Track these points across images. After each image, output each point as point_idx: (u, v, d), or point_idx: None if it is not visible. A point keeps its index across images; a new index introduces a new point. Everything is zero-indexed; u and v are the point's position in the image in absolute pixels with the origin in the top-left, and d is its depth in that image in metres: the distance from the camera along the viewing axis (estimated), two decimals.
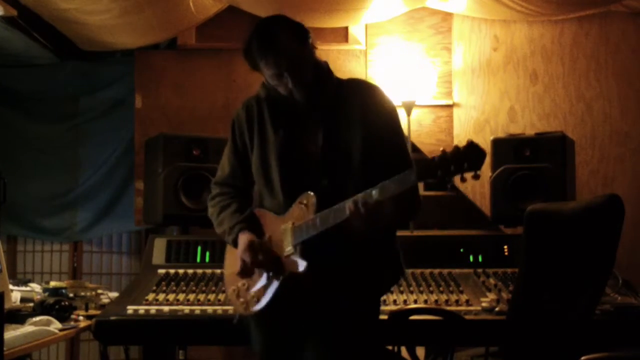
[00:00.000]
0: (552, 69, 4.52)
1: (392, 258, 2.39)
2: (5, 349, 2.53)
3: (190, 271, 3.47)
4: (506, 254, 3.52)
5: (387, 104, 2.37)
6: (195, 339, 3.16)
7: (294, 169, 2.31)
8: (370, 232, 2.09)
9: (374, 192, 2.00)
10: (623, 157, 4.38)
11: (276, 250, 2.28)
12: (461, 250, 3.54)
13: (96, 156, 5.19)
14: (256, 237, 2.30)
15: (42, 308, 3.18)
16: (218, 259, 3.34)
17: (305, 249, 2.20)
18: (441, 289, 3.22)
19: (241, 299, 2.36)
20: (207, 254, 3.60)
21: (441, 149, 1.87)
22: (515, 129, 4.41)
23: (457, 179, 1.84)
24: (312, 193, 2.21)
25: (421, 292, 3.17)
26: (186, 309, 3.05)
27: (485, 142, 3.33)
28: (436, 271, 3.42)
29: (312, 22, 3.82)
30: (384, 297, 3.00)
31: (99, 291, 3.74)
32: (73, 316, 3.25)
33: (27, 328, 2.90)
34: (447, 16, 4.75)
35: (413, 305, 3.01)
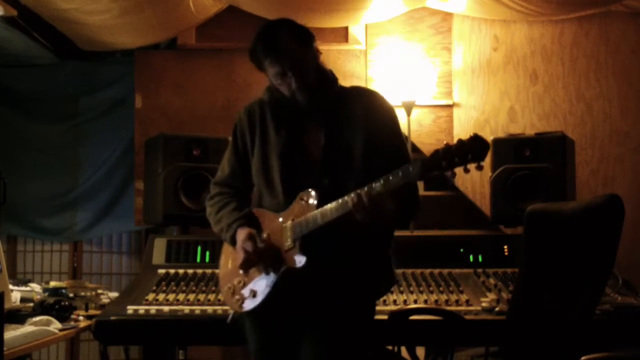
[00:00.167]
0: (552, 69, 4.52)
1: (387, 263, 2.40)
2: (5, 349, 2.54)
3: (190, 271, 3.47)
4: (506, 254, 3.52)
5: (387, 107, 2.41)
6: (195, 339, 3.16)
7: (295, 169, 2.32)
8: (373, 224, 2.10)
9: (377, 184, 2.03)
10: (623, 157, 4.38)
11: (275, 246, 2.28)
12: (461, 250, 3.54)
13: (96, 156, 5.20)
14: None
15: (42, 308, 3.18)
16: (218, 259, 3.32)
17: (305, 244, 2.21)
18: (441, 289, 3.22)
19: (236, 297, 2.36)
20: (207, 254, 3.60)
21: (445, 142, 1.90)
22: (515, 129, 4.41)
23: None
24: (312, 189, 2.22)
25: (421, 292, 3.17)
26: (186, 309, 3.05)
27: None
28: (436, 271, 3.42)
29: (312, 22, 3.83)
30: (384, 297, 3.00)
31: (99, 291, 3.75)
32: (73, 316, 3.25)
33: (27, 328, 2.90)
34: (447, 16, 4.75)
35: (413, 305, 3.01)
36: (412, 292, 3.18)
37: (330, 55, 4.65)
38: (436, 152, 1.91)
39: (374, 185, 2.05)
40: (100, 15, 4.13)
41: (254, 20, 4.16)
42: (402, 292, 3.17)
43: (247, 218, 2.36)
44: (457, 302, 3.07)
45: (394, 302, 3.07)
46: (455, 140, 1.90)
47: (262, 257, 2.26)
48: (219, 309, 3.02)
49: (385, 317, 2.81)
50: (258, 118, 2.41)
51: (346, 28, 4.81)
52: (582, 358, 2.08)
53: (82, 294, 3.57)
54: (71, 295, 3.48)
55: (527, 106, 4.55)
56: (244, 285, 2.33)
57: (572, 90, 4.48)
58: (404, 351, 3.12)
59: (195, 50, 4.87)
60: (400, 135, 2.42)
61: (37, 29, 4.43)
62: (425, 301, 3.10)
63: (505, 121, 4.58)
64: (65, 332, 3.06)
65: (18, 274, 5.15)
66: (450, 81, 4.75)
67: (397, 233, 2.45)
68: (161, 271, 3.48)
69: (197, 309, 3.05)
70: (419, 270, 3.42)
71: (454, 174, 1.94)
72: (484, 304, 3.02)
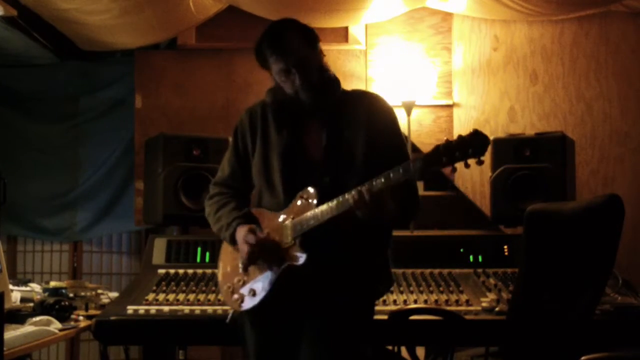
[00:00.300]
0: (552, 69, 4.52)
1: (386, 262, 2.41)
2: (5, 349, 2.54)
3: (190, 271, 3.47)
4: (506, 254, 3.52)
5: (388, 108, 2.43)
6: (195, 339, 3.16)
7: (295, 169, 2.32)
8: (373, 221, 2.11)
9: (378, 181, 2.05)
10: (623, 157, 4.38)
11: (275, 244, 2.29)
12: (461, 250, 3.54)
13: (96, 156, 5.20)
14: None
15: (42, 308, 3.18)
16: (218, 259, 3.34)
17: (305, 241, 2.21)
18: (441, 289, 3.21)
19: (235, 296, 2.36)
20: (207, 254, 3.60)
21: (445, 138, 1.92)
22: (515, 129, 4.41)
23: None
24: (313, 187, 2.23)
25: (421, 292, 3.17)
26: (186, 309, 3.05)
27: None
28: (436, 271, 3.42)
29: (312, 22, 3.81)
30: (384, 297, 3.00)
31: (99, 291, 3.75)
32: (73, 316, 3.25)
33: (27, 328, 2.90)
34: (447, 16, 4.75)
35: (413, 305, 3.01)
36: (412, 292, 3.18)
37: (330, 55, 4.61)
38: (437, 147, 1.94)
39: (374, 181, 2.06)
40: (100, 15, 4.13)
41: (254, 20, 4.17)
42: (402, 292, 3.17)
43: (246, 217, 2.36)
44: (457, 302, 3.07)
45: (394, 302, 3.07)
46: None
47: (264, 251, 2.26)
48: (219, 309, 3.02)
49: (385, 317, 2.81)
50: (260, 119, 2.42)
51: (346, 28, 4.81)
52: (582, 358, 2.08)
53: (82, 294, 3.57)
54: (71, 295, 3.48)
55: (527, 106, 4.55)
56: (244, 284, 2.34)
57: (572, 90, 4.48)
58: (404, 351, 3.12)
59: (195, 50, 4.87)
60: (401, 136, 2.44)
61: (37, 29, 4.43)
62: (425, 301, 3.10)
63: (505, 121, 4.58)
64: (65, 332, 3.06)
65: (18, 274, 5.15)
66: (450, 81, 4.75)
67: (397, 233, 2.46)
68: (161, 271, 3.48)
69: (197, 309, 3.05)
70: (419, 270, 3.41)
71: (455, 169, 1.95)
72: (484, 304, 3.02)
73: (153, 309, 3.04)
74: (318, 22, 4.42)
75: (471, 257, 3.51)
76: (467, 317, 2.92)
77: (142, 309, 3.03)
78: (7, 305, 2.88)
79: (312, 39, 2.33)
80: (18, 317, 3.09)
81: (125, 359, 4.05)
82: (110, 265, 5.39)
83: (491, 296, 3.11)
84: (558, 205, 2.68)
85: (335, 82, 2.40)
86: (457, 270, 3.42)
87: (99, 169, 5.19)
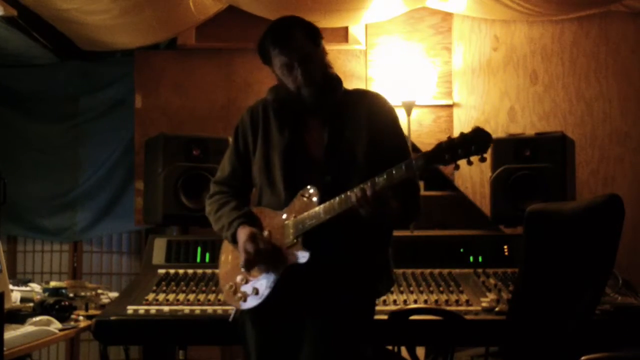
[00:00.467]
0: (552, 69, 4.52)
1: (387, 262, 2.41)
2: (5, 349, 2.54)
3: (190, 271, 3.46)
4: (506, 254, 3.51)
5: (389, 108, 2.43)
6: (195, 339, 3.16)
7: (297, 167, 2.33)
8: (376, 219, 2.11)
9: (381, 178, 2.06)
10: (623, 157, 4.38)
11: (276, 244, 2.29)
12: (461, 250, 3.53)
13: (96, 156, 5.20)
14: None
15: (42, 308, 3.18)
16: (218, 259, 3.34)
17: (307, 240, 2.21)
18: (441, 289, 3.21)
19: (238, 294, 2.36)
20: (207, 254, 3.59)
21: (447, 136, 1.92)
22: (515, 129, 4.41)
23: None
24: (313, 186, 2.23)
25: (421, 292, 3.17)
26: (186, 309, 3.05)
27: None
28: (436, 271, 3.42)
29: (311, 22, 3.82)
30: (384, 297, 3.00)
31: (99, 291, 3.75)
32: (73, 316, 3.25)
33: (27, 328, 2.90)
34: (447, 16, 4.75)
35: (413, 305, 3.00)
36: (412, 292, 3.18)
37: (330, 55, 4.60)
38: (439, 144, 1.94)
39: (377, 179, 2.06)
40: (100, 15, 4.13)
41: (254, 20, 4.16)
42: (402, 292, 3.17)
43: (247, 216, 2.36)
44: (457, 302, 3.07)
45: (394, 302, 3.07)
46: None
47: (263, 258, 2.26)
48: (219, 309, 3.02)
49: (385, 317, 2.81)
50: (261, 117, 2.42)
51: (346, 28, 4.81)
52: (582, 358, 2.08)
53: (82, 294, 3.57)
54: (71, 295, 3.48)
55: (527, 106, 4.55)
56: (246, 282, 2.34)
57: (572, 90, 4.48)
58: (404, 351, 3.12)
59: (195, 50, 4.87)
60: (402, 135, 2.44)
61: (37, 29, 4.43)
62: (425, 301, 3.10)
63: (505, 121, 4.58)
64: (65, 332, 3.06)
65: (18, 274, 5.15)
66: (450, 81, 4.75)
67: (397, 233, 2.46)
68: (161, 271, 3.48)
69: (197, 309, 3.05)
70: (419, 270, 3.41)
71: (457, 167, 1.95)
72: (484, 304, 3.02)
73: (153, 309, 3.04)
74: (318, 22, 4.35)
75: (471, 257, 3.51)
76: (467, 317, 2.92)
77: (142, 309, 3.03)
78: (7, 305, 2.89)
79: (316, 37, 2.34)
80: (18, 317, 3.09)
81: (125, 359, 4.05)
82: (110, 265, 5.39)
83: (491, 296, 3.11)
84: (558, 205, 2.68)
85: (337, 80, 2.41)
86: (457, 270, 3.41)
87: (99, 169, 5.19)
